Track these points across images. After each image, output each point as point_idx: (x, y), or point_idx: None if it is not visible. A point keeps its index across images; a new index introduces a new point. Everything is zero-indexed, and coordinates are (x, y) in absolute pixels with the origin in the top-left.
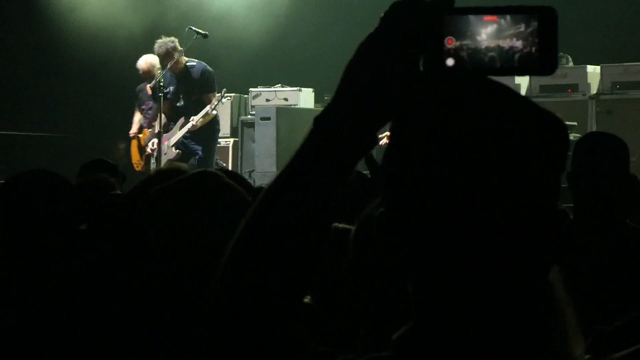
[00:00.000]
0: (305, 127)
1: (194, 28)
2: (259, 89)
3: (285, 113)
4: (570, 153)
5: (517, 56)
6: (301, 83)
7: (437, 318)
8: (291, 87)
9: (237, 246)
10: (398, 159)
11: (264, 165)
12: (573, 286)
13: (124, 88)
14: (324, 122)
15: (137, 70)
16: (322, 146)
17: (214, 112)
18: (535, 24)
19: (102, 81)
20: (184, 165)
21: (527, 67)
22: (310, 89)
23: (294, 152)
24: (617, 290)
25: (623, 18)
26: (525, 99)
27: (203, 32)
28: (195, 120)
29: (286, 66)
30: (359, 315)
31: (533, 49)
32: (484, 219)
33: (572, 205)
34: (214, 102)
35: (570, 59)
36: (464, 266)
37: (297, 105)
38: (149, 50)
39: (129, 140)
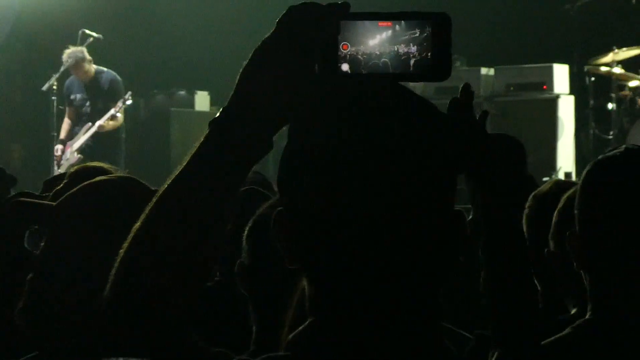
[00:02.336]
0: (201, 130)
1: (87, 31)
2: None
3: (180, 116)
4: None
5: (412, 61)
6: (196, 86)
7: (330, 316)
8: (187, 90)
9: (128, 250)
10: (294, 160)
11: None
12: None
13: (15, 90)
14: (220, 125)
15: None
16: (217, 150)
17: (119, 114)
18: (429, 29)
19: None
20: (105, 165)
21: (421, 73)
22: (206, 92)
23: (189, 155)
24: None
25: (517, 20)
26: (421, 100)
27: (97, 35)
28: (102, 121)
29: (181, 69)
30: (253, 316)
31: (428, 54)
32: (378, 218)
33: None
34: (119, 104)
35: (464, 61)
36: (355, 264)
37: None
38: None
39: (24, 142)
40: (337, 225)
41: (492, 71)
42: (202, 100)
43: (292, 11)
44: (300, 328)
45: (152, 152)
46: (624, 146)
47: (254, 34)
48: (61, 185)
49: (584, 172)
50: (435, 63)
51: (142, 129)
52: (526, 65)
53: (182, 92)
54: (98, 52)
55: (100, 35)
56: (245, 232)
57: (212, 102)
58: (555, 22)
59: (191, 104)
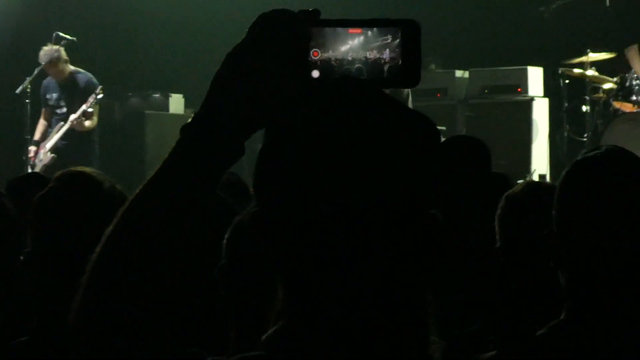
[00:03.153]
0: (175, 133)
1: (61, 34)
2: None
3: (155, 118)
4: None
5: (383, 67)
6: (171, 89)
7: (302, 317)
8: (161, 92)
9: (102, 253)
10: (268, 163)
11: None
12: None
13: None
14: (192, 131)
15: None
16: (189, 156)
17: (94, 117)
18: (399, 35)
19: None
20: (88, 169)
21: (392, 79)
22: (180, 95)
23: (162, 161)
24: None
25: (491, 23)
26: (395, 103)
27: (70, 37)
28: (75, 116)
29: (155, 72)
30: (230, 319)
31: (399, 60)
32: (351, 221)
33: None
34: (90, 99)
35: (439, 64)
36: (328, 265)
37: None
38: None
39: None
40: (308, 228)
41: (466, 74)
42: (176, 103)
43: (263, 18)
44: (274, 329)
45: (127, 155)
46: (604, 146)
47: (229, 37)
48: (46, 190)
49: (564, 171)
50: (405, 69)
51: (116, 131)
52: (501, 68)
53: (157, 95)
54: (72, 55)
55: (74, 38)
56: (226, 235)
57: (187, 105)
58: (530, 24)
59: (166, 106)
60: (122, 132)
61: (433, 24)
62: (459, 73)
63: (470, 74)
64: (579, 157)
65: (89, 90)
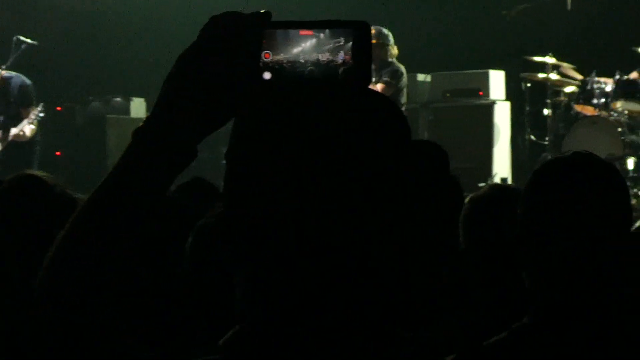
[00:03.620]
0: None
1: (22, 37)
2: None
3: (116, 123)
4: None
5: (335, 69)
6: (132, 92)
7: (263, 319)
8: (122, 96)
9: (55, 256)
10: (237, 164)
11: None
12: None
13: None
14: (143, 135)
15: None
16: (141, 159)
17: (32, 126)
18: (351, 37)
19: None
20: (39, 173)
21: (343, 80)
22: (142, 99)
23: (114, 164)
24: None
25: (453, 27)
26: (356, 101)
27: (32, 41)
28: (16, 130)
29: (117, 75)
30: (192, 321)
31: (351, 62)
32: (312, 226)
33: None
34: (32, 116)
35: None
36: (291, 265)
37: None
38: None
39: None
40: (274, 228)
41: (428, 78)
42: (138, 107)
43: (214, 20)
44: (232, 332)
45: (88, 159)
46: (572, 150)
47: (191, 41)
48: None
49: (532, 173)
50: (356, 69)
51: (77, 135)
52: (462, 72)
53: (118, 99)
54: (33, 59)
55: (35, 42)
56: (189, 239)
57: (148, 109)
58: (492, 28)
59: (127, 110)
60: (83, 137)
61: (395, 29)
62: (420, 77)
63: (432, 78)
64: (547, 160)
65: (23, 93)
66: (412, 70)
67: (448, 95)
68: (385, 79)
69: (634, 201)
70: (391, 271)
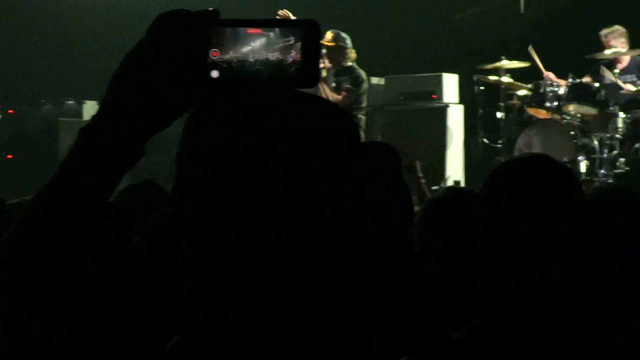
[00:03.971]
0: None
1: None
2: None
3: (69, 126)
4: None
5: (283, 68)
6: (85, 95)
7: (209, 324)
8: (75, 99)
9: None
10: (186, 164)
11: None
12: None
13: None
14: (89, 134)
15: None
16: (87, 159)
17: None
18: (300, 36)
19: None
20: None
21: (292, 80)
22: (95, 102)
23: (61, 163)
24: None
25: (407, 30)
26: (305, 101)
27: None
28: None
29: (69, 78)
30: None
31: (299, 61)
32: (267, 222)
33: None
34: None
35: None
36: (237, 267)
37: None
38: None
39: None
40: (223, 229)
41: (382, 81)
42: (90, 110)
43: (162, 18)
44: (177, 337)
45: (40, 163)
46: (529, 152)
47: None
48: None
49: (488, 174)
50: (305, 69)
51: (30, 139)
52: (416, 75)
53: (71, 102)
54: None
55: None
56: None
57: None
58: (445, 32)
59: (80, 113)
60: (35, 140)
61: (350, 32)
62: (375, 80)
63: (386, 81)
64: (504, 161)
65: None
66: (367, 73)
67: (402, 98)
68: (346, 85)
69: None
70: (336, 270)
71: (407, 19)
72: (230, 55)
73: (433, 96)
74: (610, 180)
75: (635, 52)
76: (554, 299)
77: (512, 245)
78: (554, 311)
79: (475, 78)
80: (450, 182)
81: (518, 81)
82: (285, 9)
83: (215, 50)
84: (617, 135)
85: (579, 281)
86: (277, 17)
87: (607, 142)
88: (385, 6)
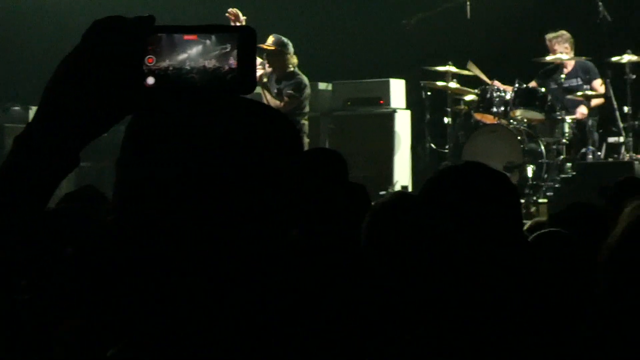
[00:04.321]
0: None
1: None
2: None
3: (15, 132)
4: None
5: (220, 75)
6: (31, 101)
7: (148, 330)
8: (21, 105)
9: None
10: (126, 170)
11: None
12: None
13: None
14: (24, 142)
15: None
16: (22, 166)
17: None
18: (236, 43)
19: None
20: None
21: (229, 86)
22: None
23: None
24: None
25: (354, 36)
26: (244, 108)
27: None
28: None
29: (15, 84)
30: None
31: (235, 67)
32: (207, 229)
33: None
34: None
35: None
36: (176, 272)
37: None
38: None
39: None
40: (163, 235)
41: (329, 86)
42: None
43: (97, 24)
44: (119, 345)
45: None
46: (464, 161)
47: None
48: None
49: (425, 182)
50: (241, 75)
51: None
52: (363, 81)
53: (17, 108)
54: None
55: None
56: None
57: None
58: (392, 37)
59: (26, 119)
60: None
61: (296, 37)
62: (322, 85)
63: (333, 87)
64: (439, 169)
65: None
66: (314, 79)
67: (349, 103)
68: (288, 91)
69: (533, 209)
70: (279, 272)
71: (354, 24)
72: (167, 62)
73: (380, 102)
74: (557, 185)
75: (578, 58)
76: (489, 301)
77: (446, 249)
78: (489, 312)
79: (422, 84)
80: (397, 188)
81: (465, 86)
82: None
83: (151, 57)
84: (564, 140)
85: (513, 284)
86: (227, 15)
87: (554, 147)
88: (333, 12)
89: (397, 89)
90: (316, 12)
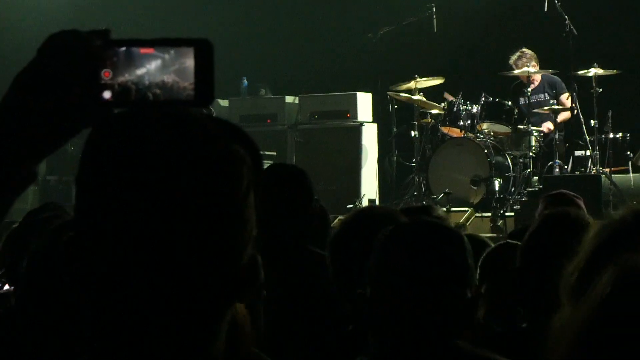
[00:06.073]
0: None
1: None
2: None
3: None
4: None
5: (179, 90)
6: None
7: (110, 343)
8: None
9: None
10: (82, 188)
11: None
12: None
13: None
14: None
15: None
16: None
17: None
18: (193, 55)
19: None
20: None
21: (188, 100)
22: None
23: None
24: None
25: (320, 49)
26: (203, 125)
27: None
28: None
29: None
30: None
31: (193, 80)
32: (158, 246)
33: None
34: None
35: (268, 90)
36: (131, 287)
37: None
38: None
39: None
40: (116, 252)
41: (296, 99)
42: None
43: (53, 38)
44: (88, 353)
45: None
46: (421, 218)
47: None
48: None
49: (380, 238)
50: (198, 88)
51: None
52: (330, 94)
53: None
54: None
55: None
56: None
57: None
58: (358, 51)
59: None
60: None
61: (263, 50)
62: (289, 99)
63: (300, 100)
64: (393, 227)
65: None
66: (280, 93)
67: (316, 117)
68: None
69: (500, 222)
70: (235, 289)
71: (321, 37)
72: (126, 77)
73: (347, 115)
74: (524, 198)
75: (545, 72)
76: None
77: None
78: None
79: (389, 97)
80: (365, 201)
81: (432, 100)
82: (199, 30)
83: (107, 71)
84: (531, 154)
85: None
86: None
87: (521, 160)
88: (299, 25)
89: (364, 102)
90: (282, 25)
